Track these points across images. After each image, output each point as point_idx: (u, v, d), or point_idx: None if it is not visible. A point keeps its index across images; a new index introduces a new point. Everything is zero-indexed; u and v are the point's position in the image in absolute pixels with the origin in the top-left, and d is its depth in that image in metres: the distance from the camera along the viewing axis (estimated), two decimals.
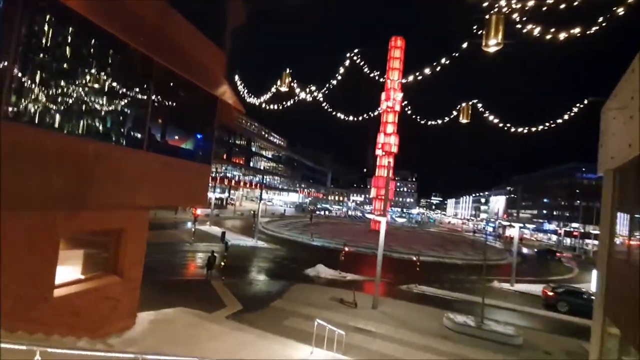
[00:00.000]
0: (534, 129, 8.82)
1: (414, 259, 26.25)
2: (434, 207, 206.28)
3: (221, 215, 49.96)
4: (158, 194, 8.49)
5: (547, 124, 8.61)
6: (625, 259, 7.24)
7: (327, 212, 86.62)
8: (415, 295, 20.05)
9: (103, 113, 7.66)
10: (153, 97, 8.12)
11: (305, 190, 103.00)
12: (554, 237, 74.87)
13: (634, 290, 6.27)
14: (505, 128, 9.24)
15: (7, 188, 4.84)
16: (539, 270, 33.21)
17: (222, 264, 18.50)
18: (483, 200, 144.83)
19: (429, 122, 12.49)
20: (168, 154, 9.46)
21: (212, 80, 10.01)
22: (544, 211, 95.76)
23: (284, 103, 12.18)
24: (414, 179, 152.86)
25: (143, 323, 8.42)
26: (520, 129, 8.96)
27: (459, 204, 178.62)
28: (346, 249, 24.18)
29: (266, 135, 76.84)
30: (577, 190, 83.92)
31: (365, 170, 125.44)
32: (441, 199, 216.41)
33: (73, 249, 7.49)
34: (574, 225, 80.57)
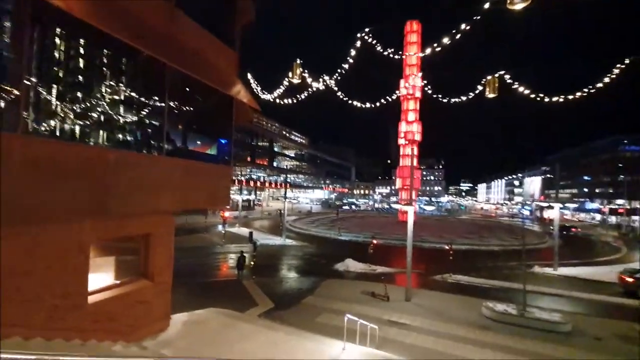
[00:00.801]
0: (571, 97, 7.96)
1: (447, 247, 25.39)
2: (463, 193, 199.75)
3: (249, 217, 50.91)
4: (181, 198, 8.57)
5: (585, 90, 7.75)
6: None
7: (353, 207, 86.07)
8: (450, 285, 19.36)
9: (121, 122, 7.82)
10: (169, 102, 8.16)
11: (330, 186, 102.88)
12: (598, 216, 70.16)
13: None
14: (538, 99, 8.43)
15: (33, 202, 4.97)
16: (583, 252, 31.13)
17: (252, 263, 18.70)
18: (517, 182, 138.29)
19: (452, 101, 11.73)
20: (188, 158, 9.56)
21: (225, 80, 9.98)
22: (585, 189, 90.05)
23: (299, 96, 11.92)
24: (440, 167, 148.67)
25: (177, 325, 8.55)
26: (555, 98, 8.14)
27: (490, 188, 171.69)
28: (374, 241, 23.80)
29: (287, 135, 77.30)
30: (620, 165, 78.14)
31: (389, 161, 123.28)
32: (471, 185, 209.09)
33: (105, 256, 7.71)
34: (619, 202, 75.22)
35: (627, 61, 7.14)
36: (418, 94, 47.51)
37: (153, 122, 8.28)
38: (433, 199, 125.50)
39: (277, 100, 12.03)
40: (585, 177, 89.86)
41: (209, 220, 43.13)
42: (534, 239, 36.24)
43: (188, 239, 30.73)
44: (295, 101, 11.87)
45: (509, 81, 8.70)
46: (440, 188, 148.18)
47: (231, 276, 19.07)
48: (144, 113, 8.17)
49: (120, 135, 7.67)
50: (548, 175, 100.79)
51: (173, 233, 8.90)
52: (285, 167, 76.80)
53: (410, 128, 47.68)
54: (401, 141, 49.29)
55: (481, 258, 27.10)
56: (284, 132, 75.56)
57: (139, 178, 7.41)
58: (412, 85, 47.13)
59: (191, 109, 9.98)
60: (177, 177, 8.39)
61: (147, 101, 8.13)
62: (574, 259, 26.95)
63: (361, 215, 64.84)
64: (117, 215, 7.10)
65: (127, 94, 7.79)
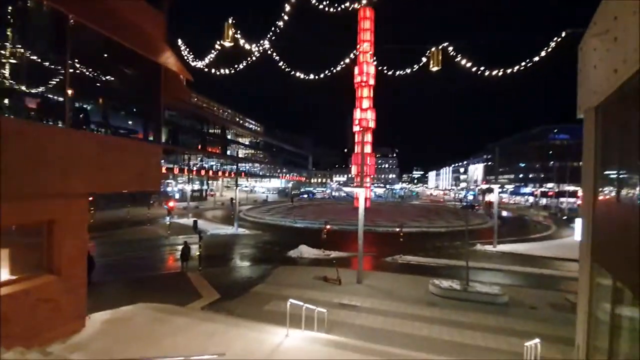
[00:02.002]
0: (509, 71, 8.09)
1: (397, 230, 26.04)
2: (415, 181, 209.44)
3: (201, 207, 48.43)
4: (97, 178, 7.36)
5: (523, 64, 7.92)
6: (615, 198, 6.79)
7: (310, 195, 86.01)
8: (401, 265, 19.82)
9: (11, 85, 6.42)
10: (71, 63, 6.85)
11: (287, 175, 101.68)
12: (531, 199, 77.32)
13: (626, 227, 5.82)
14: (479, 72, 8.49)
15: None
16: (519, 231, 33.90)
17: (198, 254, 17.51)
18: (462, 169, 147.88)
19: (397, 73, 11.56)
20: (106, 132, 8.28)
21: (151, 45, 8.73)
22: (520, 175, 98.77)
23: (237, 65, 10.81)
24: (394, 155, 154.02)
25: (95, 325, 7.44)
26: (495, 72, 8.23)
27: (439, 175, 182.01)
28: (328, 226, 23.63)
29: (241, 122, 74.47)
30: (550, 152, 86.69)
31: (346, 150, 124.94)
32: (422, 173, 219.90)
33: None
34: (549, 185, 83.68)
35: (563, 34, 7.30)
36: (372, 82, 47.93)
37: (58, 87, 6.95)
38: (388, 186, 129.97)
39: (214, 71, 10.84)
40: (521, 164, 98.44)
41: (155, 211, 40.29)
42: (477, 219, 38.75)
43: (130, 231, 28.35)
44: (233, 71, 10.80)
45: (452, 54, 8.64)
46: (394, 175, 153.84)
47: (175, 269, 17.75)
48: (44, 75, 6.83)
49: (8, 101, 6.30)
50: (489, 163, 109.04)
51: (87, 220, 7.67)
52: (239, 155, 74.16)
53: (364, 115, 48.10)
54: (356, 128, 49.63)
55: (429, 239, 28.27)
56: (237, 119, 72.63)
57: (39, 153, 6.15)
58: (365, 72, 47.41)
59: (108, 74, 8.66)
60: (91, 154, 7.16)
61: (45, 59, 6.80)
62: (511, 236, 29.15)
63: (317, 203, 64.89)
64: (9, 197, 5.80)
65: (17, 51, 6.41)
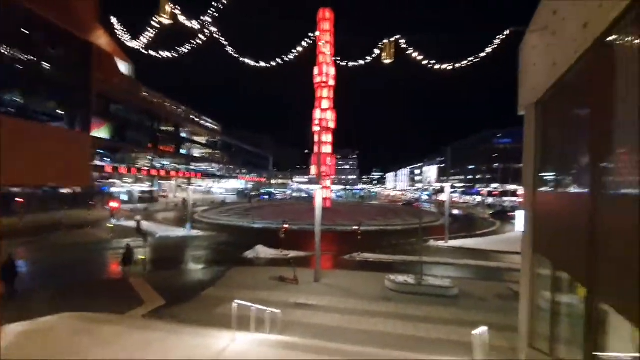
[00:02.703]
0: (457, 65, 8.35)
1: (355, 228, 26.23)
2: (375, 182, 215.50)
3: (151, 209, 45.39)
4: (6, 169, 6.28)
5: (471, 59, 8.19)
6: (553, 191, 7.14)
7: (270, 196, 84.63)
8: (359, 263, 19.87)
9: None
10: None
11: (247, 175, 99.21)
12: (479, 198, 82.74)
13: (562, 217, 6.10)
14: (429, 65, 8.66)
15: None
16: (468, 227, 35.88)
17: (143, 257, 16.13)
18: (417, 171, 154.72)
19: (350, 64, 11.52)
20: (20, 116, 7.16)
21: (80, 21, 7.73)
22: (470, 176, 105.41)
23: (182, 48, 9.93)
24: (355, 156, 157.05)
25: (8, 338, 6.33)
26: (444, 66, 8.45)
27: (397, 177, 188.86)
28: (286, 226, 23.13)
29: (197, 120, 71.07)
30: (495, 155, 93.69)
31: (307, 151, 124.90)
32: (381, 174, 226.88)
33: None
34: (494, 185, 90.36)
35: (507, 32, 7.60)
36: (332, 82, 48.20)
37: None
38: (348, 187, 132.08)
39: (164, 55, 9.83)
40: (470, 166, 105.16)
41: (98, 214, 37.02)
42: (430, 218, 40.42)
43: (67, 235, 25.61)
44: (176, 54, 9.94)
45: (404, 46, 8.71)
46: (355, 176, 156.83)
47: (117, 274, 16.18)
48: None
49: None
50: (442, 165, 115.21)
51: None
52: (195, 155, 70.89)
53: (324, 116, 48.20)
54: (316, 128, 49.57)
55: (386, 237, 28.86)
56: (193, 117, 69.15)
57: None
58: (325, 73, 47.59)
59: (32, 56, 7.53)
60: None
61: None
62: (461, 233, 30.69)
63: (277, 204, 63.97)
64: None
65: None
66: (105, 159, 43.93)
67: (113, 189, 48.11)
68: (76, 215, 34.31)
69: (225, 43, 10.40)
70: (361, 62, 11.07)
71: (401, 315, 11.56)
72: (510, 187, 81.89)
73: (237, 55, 10.49)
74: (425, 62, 9.00)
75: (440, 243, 25.43)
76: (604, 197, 4.42)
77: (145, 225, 30.36)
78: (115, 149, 45.38)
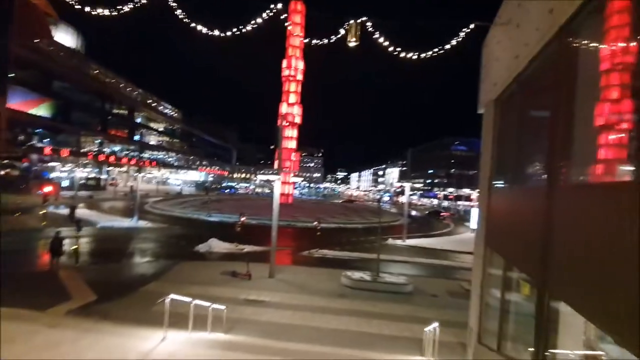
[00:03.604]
0: (422, 55, 8.19)
1: (315, 223, 25.88)
2: (339, 181, 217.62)
3: (97, 197, 41.78)
4: None
5: (436, 50, 8.06)
6: (506, 188, 7.15)
7: (232, 190, 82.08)
8: (317, 259, 19.54)
9: None
10: None
11: (208, 167, 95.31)
12: (436, 201, 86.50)
13: (517, 214, 6.06)
14: (395, 52, 8.44)
15: None
16: (425, 228, 37.08)
17: (75, 248, 14.48)
18: (380, 172, 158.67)
19: (312, 42, 11.07)
20: None
21: None
22: (429, 180, 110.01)
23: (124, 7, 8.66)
24: (320, 155, 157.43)
25: None
26: (409, 55, 8.27)
27: (361, 177, 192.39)
28: (243, 219, 22.13)
29: (154, 105, 66.50)
30: (452, 161, 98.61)
31: (272, 147, 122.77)
32: (346, 174, 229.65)
33: None
34: (450, 190, 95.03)
35: (472, 26, 7.53)
36: (300, 77, 47.53)
37: None
38: (312, 185, 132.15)
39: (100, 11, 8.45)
40: (429, 170, 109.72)
41: (33, 200, 33.29)
42: (390, 217, 41.26)
43: None
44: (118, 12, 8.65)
45: (370, 30, 8.40)
46: (319, 175, 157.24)
47: (44, 266, 14.41)
48: None
49: None
50: (404, 168, 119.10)
51: None
52: (151, 142, 66.69)
53: (290, 110, 47.44)
54: (282, 123, 48.61)
55: (346, 234, 28.86)
56: (150, 101, 64.50)
57: None
58: (294, 67, 46.81)
59: None
60: None
61: None
62: (418, 232, 31.53)
63: (238, 198, 62.12)
64: None
65: None
66: (45, 140, 39.73)
67: (53, 174, 43.70)
68: (7, 200, 30.52)
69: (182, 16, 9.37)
70: (325, 40, 10.59)
71: (356, 311, 11.30)
72: (464, 191, 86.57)
73: (189, 22, 9.50)
74: (391, 49, 8.72)
75: (398, 241, 25.86)
76: (558, 192, 4.30)
77: (87, 213, 27.81)
78: (57, 130, 41.20)
